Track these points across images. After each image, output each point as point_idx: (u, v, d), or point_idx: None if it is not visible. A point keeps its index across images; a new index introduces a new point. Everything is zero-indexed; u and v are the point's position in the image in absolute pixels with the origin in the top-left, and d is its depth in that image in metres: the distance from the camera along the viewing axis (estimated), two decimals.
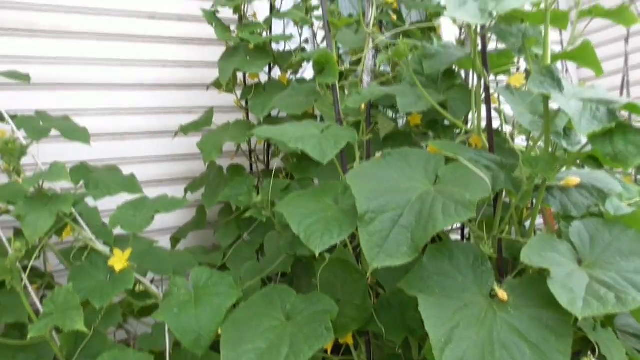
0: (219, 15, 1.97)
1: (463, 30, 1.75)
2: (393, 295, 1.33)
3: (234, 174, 1.97)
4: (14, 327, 1.42)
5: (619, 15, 1.10)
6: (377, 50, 1.57)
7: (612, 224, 1.05)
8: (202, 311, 1.14)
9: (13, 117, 1.48)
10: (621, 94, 2.41)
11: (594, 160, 1.35)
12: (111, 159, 1.94)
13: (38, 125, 1.52)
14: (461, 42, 1.67)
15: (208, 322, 1.13)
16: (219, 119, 2.10)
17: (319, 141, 1.14)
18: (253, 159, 2.16)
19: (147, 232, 1.84)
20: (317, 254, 1.03)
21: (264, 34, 1.97)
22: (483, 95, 1.17)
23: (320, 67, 1.29)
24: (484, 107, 1.19)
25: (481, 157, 1.11)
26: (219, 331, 1.15)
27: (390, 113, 1.85)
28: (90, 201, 1.68)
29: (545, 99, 1.03)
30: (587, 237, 1.04)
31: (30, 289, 1.26)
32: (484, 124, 1.20)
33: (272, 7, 2.12)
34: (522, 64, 1.34)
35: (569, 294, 0.91)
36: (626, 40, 2.41)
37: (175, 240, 2.10)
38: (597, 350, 1.06)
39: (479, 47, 1.16)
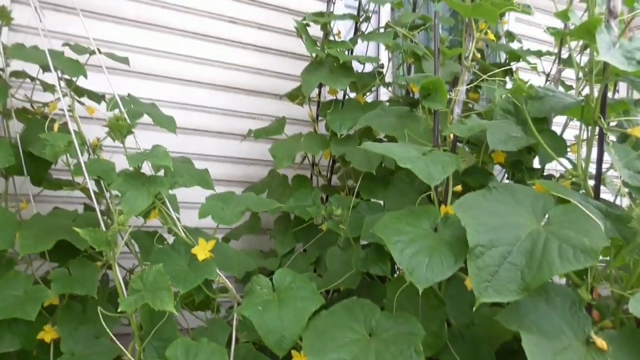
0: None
1: (555, 73, 1.78)
2: (465, 327, 1.32)
3: (298, 184, 1.99)
4: (74, 299, 1.43)
5: None
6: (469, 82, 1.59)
7: None
8: (286, 313, 1.14)
9: (110, 99, 1.51)
10: None
11: None
12: (177, 152, 1.96)
13: (131, 108, 1.55)
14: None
15: (292, 325, 1.12)
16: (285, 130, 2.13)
17: (426, 164, 1.16)
18: (315, 172, 2.18)
19: (201, 228, 1.85)
20: (420, 290, 1.03)
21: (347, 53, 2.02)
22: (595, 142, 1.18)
23: (427, 92, 1.31)
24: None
25: (588, 202, 1.11)
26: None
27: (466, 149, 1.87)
28: None
29: None
30: None
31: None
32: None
33: (356, 29, 2.17)
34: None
35: None
36: None
37: (226, 240, 2.10)
38: None
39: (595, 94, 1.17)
